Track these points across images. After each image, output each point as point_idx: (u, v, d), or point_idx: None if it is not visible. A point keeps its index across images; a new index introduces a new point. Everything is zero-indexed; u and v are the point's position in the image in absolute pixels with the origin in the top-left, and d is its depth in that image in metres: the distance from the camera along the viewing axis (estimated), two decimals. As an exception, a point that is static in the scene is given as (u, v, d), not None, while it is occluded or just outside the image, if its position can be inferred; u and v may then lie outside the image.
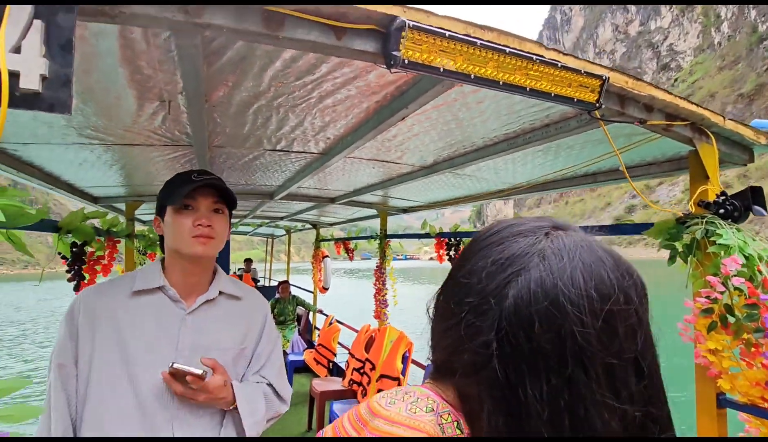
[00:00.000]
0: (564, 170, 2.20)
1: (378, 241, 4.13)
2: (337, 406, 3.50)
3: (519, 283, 0.43)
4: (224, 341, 1.16)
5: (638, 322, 0.42)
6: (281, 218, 5.89)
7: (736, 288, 1.24)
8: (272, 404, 1.20)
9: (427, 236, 3.43)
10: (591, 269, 0.42)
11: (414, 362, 3.42)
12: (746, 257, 1.27)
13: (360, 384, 3.63)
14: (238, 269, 10.43)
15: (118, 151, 1.95)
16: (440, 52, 0.89)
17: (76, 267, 2.10)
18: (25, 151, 1.89)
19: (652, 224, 1.53)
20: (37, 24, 0.61)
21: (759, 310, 1.19)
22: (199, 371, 1.01)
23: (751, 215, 1.39)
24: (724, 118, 1.39)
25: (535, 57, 0.99)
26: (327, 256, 6.70)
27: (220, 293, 1.20)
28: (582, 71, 1.06)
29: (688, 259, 1.40)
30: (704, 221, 1.36)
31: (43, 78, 0.60)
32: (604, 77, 1.09)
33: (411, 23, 0.84)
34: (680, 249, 1.43)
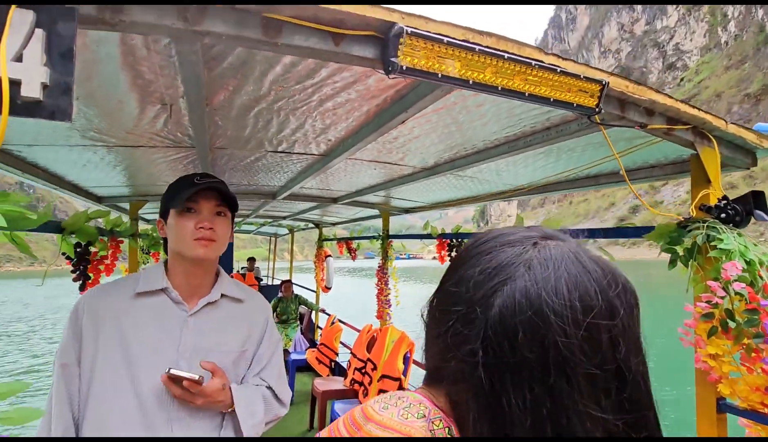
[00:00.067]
0: (566, 172, 2.19)
1: (380, 241, 4.14)
2: (338, 405, 3.51)
3: (504, 292, 0.43)
4: (225, 344, 1.17)
5: (623, 331, 0.42)
6: (284, 218, 5.90)
7: (736, 293, 1.23)
8: (271, 407, 1.21)
9: (428, 236, 3.44)
10: (576, 280, 0.42)
11: (415, 362, 3.42)
12: (747, 262, 1.27)
13: (361, 384, 3.64)
14: (242, 268, 10.44)
15: (121, 152, 1.97)
16: (438, 58, 0.89)
17: (81, 267, 2.12)
18: (29, 153, 1.91)
19: (653, 228, 1.52)
20: (39, 33, 0.61)
21: (759, 315, 1.19)
22: (195, 377, 1.01)
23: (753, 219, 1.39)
24: (726, 122, 1.38)
25: (534, 62, 0.99)
26: (330, 255, 6.71)
27: (223, 295, 1.20)
28: (581, 76, 1.06)
29: (689, 263, 1.40)
30: (705, 225, 1.36)
31: (44, 86, 0.61)
32: (603, 82, 1.09)
33: (409, 29, 0.85)
34: (681, 253, 1.43)
